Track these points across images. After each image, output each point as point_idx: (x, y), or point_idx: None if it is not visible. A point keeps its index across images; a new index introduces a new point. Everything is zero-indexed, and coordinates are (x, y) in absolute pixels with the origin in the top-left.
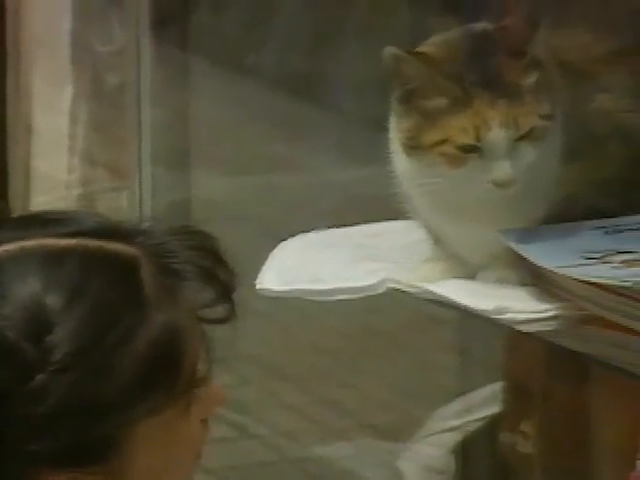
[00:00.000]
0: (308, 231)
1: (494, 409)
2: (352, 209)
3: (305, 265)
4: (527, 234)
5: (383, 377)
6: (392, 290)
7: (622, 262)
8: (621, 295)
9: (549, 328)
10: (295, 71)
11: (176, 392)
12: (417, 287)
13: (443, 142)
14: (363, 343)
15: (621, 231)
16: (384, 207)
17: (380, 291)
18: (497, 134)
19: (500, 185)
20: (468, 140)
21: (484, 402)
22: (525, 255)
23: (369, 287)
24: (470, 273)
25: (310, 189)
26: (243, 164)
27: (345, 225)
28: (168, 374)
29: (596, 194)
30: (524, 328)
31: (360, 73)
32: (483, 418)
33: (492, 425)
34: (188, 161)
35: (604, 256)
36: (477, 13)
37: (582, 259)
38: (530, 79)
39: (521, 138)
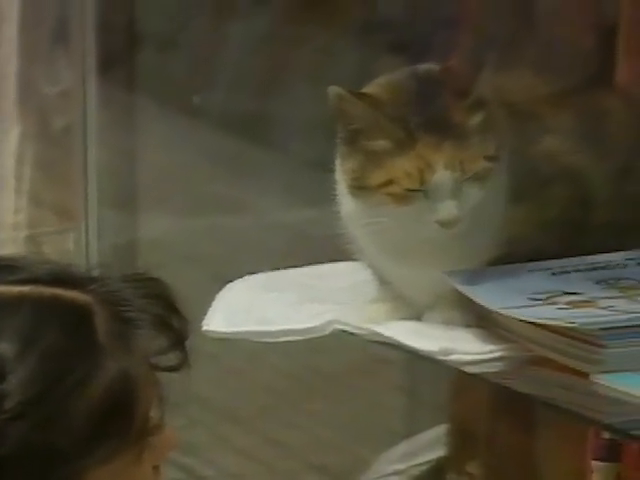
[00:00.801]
0: (255, 272)
1: (440, 452)
2: (299, 250)
3: (251, 307)
4: (473, 275)
5: (331, 418)
6: (339, 331)
7: (568, 303)
8: (567, 336)
9: (495, 369)
10: (242, 112)
11: (129, 440)
12: (363, 328)
13: (389, 183)
14: (311, 384)
15: (567, 272)
16: (330, 248)
17: (326, 332)
18: (442, 176)
19: (446, 225)
20: (412, 185)
21: (430, 445)
22: (471, 296)
23: (315, 329)
24: (416, 314)
25: (257, 230)
26: (190, 205)
27: (292, 266)
28: (121, 422)
29: (542, 235)
30: (470, 369)
31: (307, 115)
32: (429, 461)
33: (438, 467)
34: (135, 202)
35: (550, 297)
36: (424, 54)
37: (528, 300)
38: (475, 120)
39: (466, 178)
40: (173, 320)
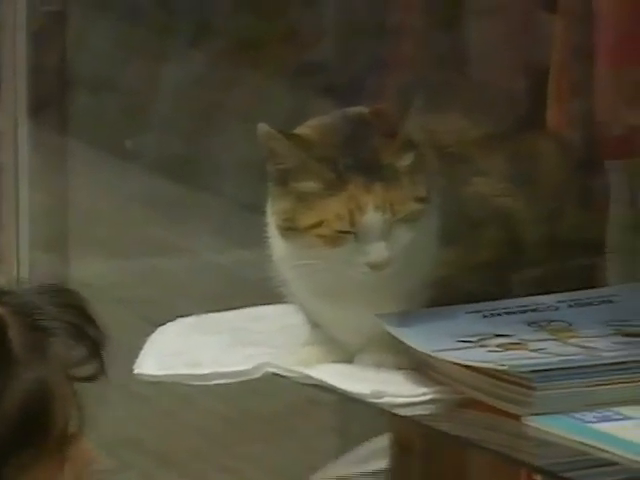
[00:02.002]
0: (186, 315)
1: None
2: (231, 293)
3: (183, 350)
4: (405, 318)
5: (264, 461)
6: (271, 374)
7: (499, 345)
8: (498, 379)
9: (427, 412)
10: (175, 155)
11: (47, 449)
12: (295, 371)
13: (319, 224)
14: (244, 427)
15: (498, 314)
16: (264, 291)
17: (258, 375)
18: (372, 218)
19: (376, 267)
20: (342, 227)
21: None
22: (403, 339)
23: (247, 372)
24: (348, 357)
25: (189, 273)
26: (122, 248)
27: (224, 309)
28: (38, 431)
29: (473, 278)
30: (402, 412)
31: (240, 157)
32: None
33: None
34: (67, 245)
35: (481, 339)
36: (356, 97)
37: (459, 342)
38: (404, 161)
39: (397, 220)
40: (89, 329)
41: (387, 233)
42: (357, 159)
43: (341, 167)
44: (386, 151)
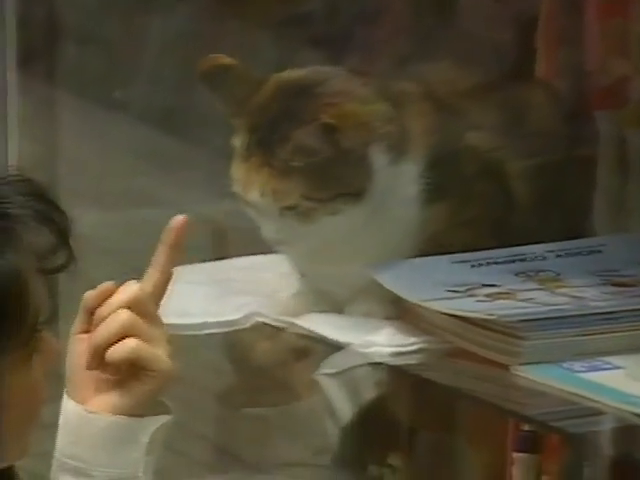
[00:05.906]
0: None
1: None
2: (220, 243)
3: (173, 299)
4: (393, 268)
5: (253, 411)
6: (260, 324)
7: (487, 295)
8: (486, 328)
9: (415, 361)
10: (162, 105)
11: (19, 340)
12: (284, 321)
13: (234, 181)
14: (235, 377)
15: (486, 264)
16: (253, 241)
17: (248, 325)
18: (254, 197)
19: (270, 243)
20: (239, 191)
21: None
22: (391, 288)
23: (236, 321)
24: (337, 306)
25: None
26: (110, 199)
27: (213, 259)
28: (12, 320)
29: (463, 233)
30: (390, 361)
31: None
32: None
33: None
34: (55, 195)
35: (469, 289)
36: (344, 48)
37: (447, 292)
38: (297, 163)
39: (289, 209)
40: (55, 216)
41: (275, 216)
42: (268, 137)
43: (254, 139)
44: (285, 146)
